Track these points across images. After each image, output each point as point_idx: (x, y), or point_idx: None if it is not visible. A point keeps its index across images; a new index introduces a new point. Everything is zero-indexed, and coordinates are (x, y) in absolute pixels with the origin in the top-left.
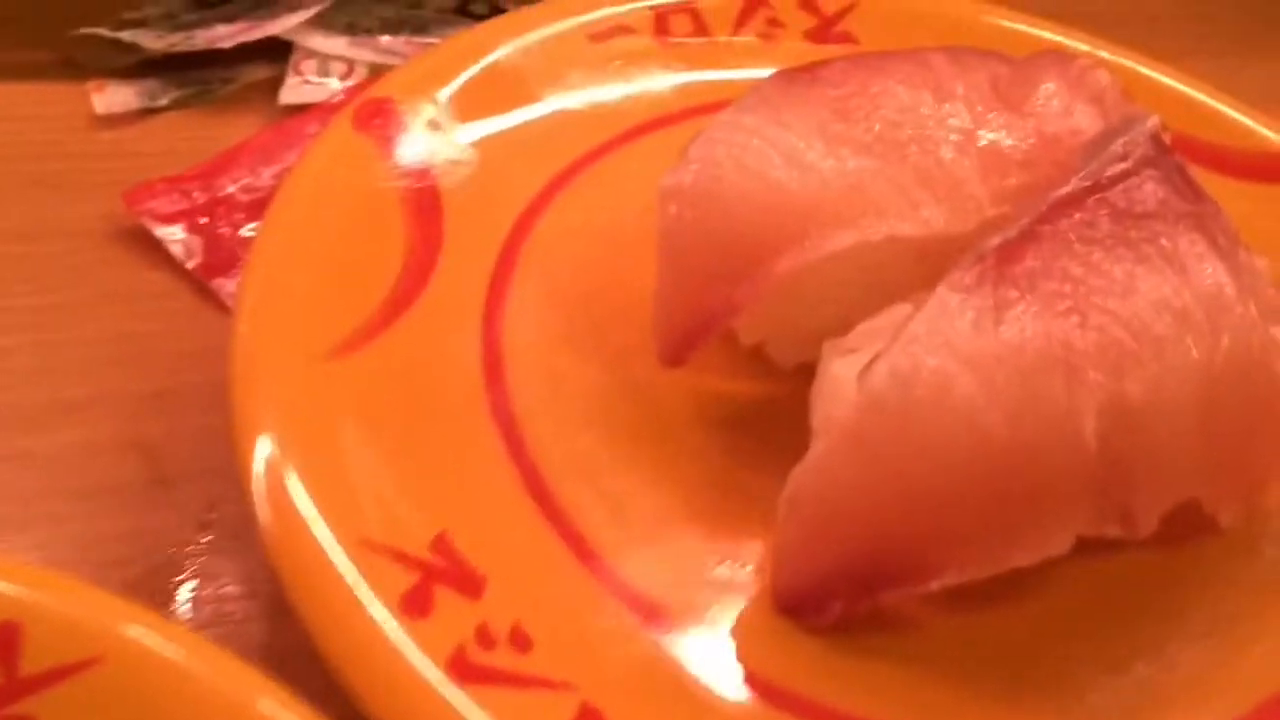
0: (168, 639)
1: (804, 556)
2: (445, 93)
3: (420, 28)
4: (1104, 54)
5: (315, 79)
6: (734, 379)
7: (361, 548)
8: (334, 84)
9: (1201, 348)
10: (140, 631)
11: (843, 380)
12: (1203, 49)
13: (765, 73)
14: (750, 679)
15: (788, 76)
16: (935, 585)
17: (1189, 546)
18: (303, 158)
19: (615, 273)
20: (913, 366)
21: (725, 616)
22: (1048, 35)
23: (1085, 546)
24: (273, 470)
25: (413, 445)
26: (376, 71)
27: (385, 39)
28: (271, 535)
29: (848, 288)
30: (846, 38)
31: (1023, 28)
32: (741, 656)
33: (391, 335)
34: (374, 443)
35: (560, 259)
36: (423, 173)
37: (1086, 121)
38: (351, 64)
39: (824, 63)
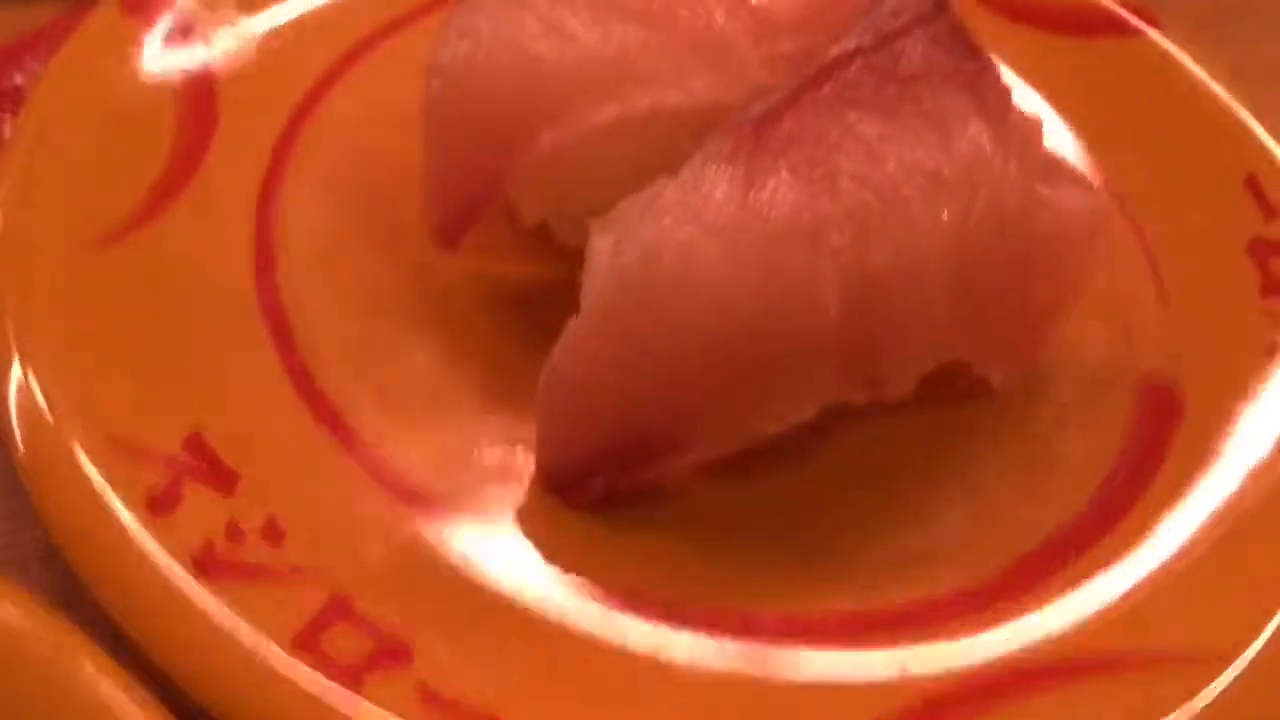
0: None
1: (564, 434)
2: None
3: None
4: None
5: None
6: (516, 261)
7: (108, 447)
8: None
9: (954, 209)
10: None
11: (601, 256)
12: None
13: None
14: (515, 560)
15: None
16: (692, 458)
17: (963, 408)
18: (65, 45)
19: (394, 157)
20: (659, 241)
21: (494, 499)
22: None
23: (856, 411)
24: (23, 368)
25: (173, 340)
26: None
27: None
28: (20, 436)
29: (624, 162)
30: None
31: None
32: (507, 537)
33: (158, 225)
34: (133, 338)
35: (339, 145)
36: (194, 59)
37: None
38: None
39: None
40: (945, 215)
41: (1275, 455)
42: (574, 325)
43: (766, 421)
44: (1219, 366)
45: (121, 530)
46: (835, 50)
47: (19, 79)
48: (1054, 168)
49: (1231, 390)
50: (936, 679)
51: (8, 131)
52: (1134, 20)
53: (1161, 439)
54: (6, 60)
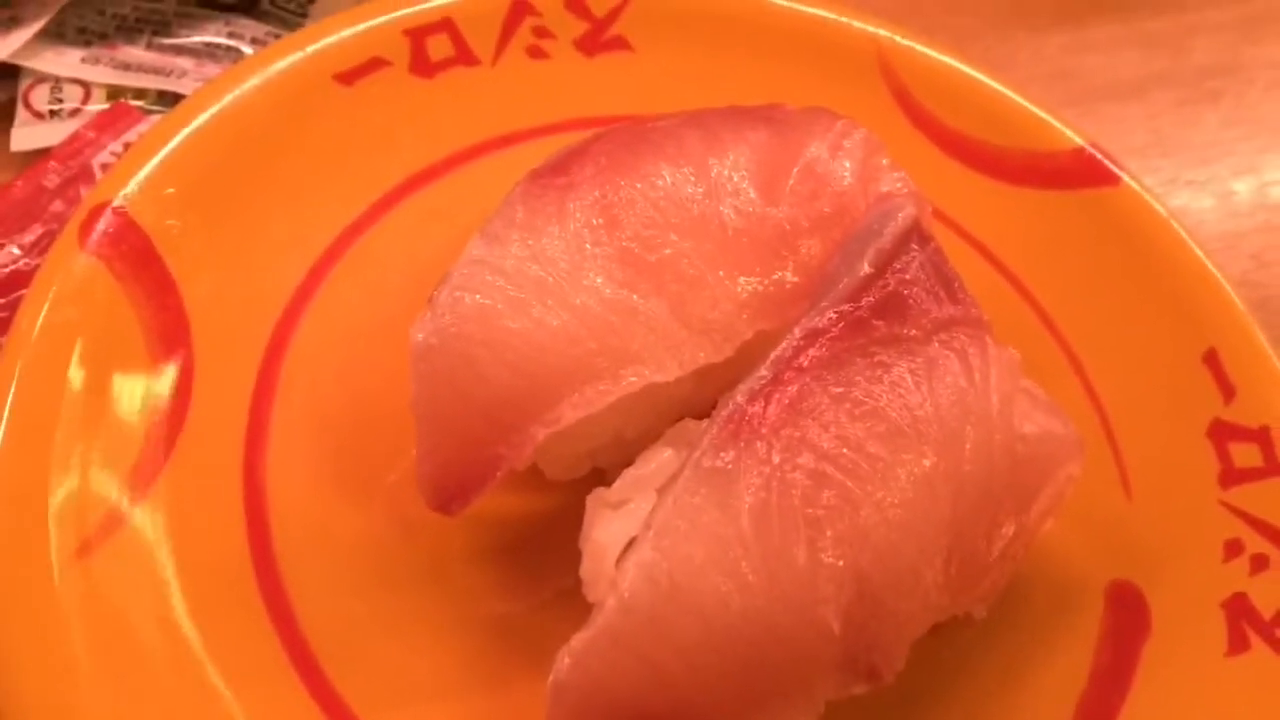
0: None
1: None
2: (176, 185)
3: (162, 27)
4: (881, 31)
5: (52, 107)
6: (508, 495)
7: None
8: (68, 122)
9: (944, 465)
10: None
11: (607, 549)
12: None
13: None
14: None
15: (540, 184)
16: None
17: (942, 637)
18: (25, 303)
19: (382, 384)
20: (659, 563)
21: None
22: (816, 11)
23: None
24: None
25: (169, 643)
26: (116, 95)
27: (124, 47)
28: None
29: (616, 419)
30: (620, 44)
31: (793, 6)
32: None
33: (141, 515)
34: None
35: (324, 374)
36: (162, 291)
37: (845, 202)
38: (88, 86)
39: (577, 153)
40: (939, 487)
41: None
42: (578, 641)
43: None
44: (1181, 569)
45: None
46: (814, 318)
47: None
48: (1031, 401)
49: (1195, 595)
50: None
51: None
52: (1098, 172)
53: (1131, 653)
54: None
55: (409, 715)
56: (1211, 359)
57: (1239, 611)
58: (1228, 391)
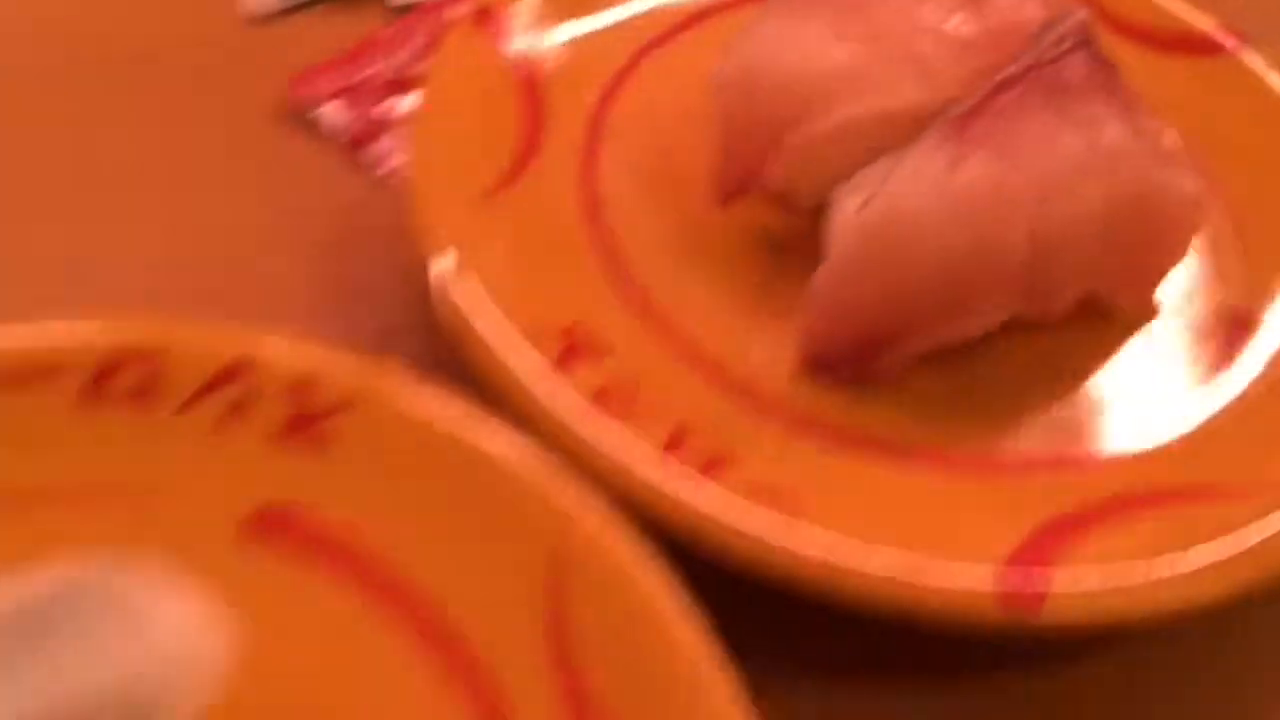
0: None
1: (820, 334)
2: None
3: None
4: None
5: None
6: (768, 213)
7: (515, 326)
8: None
9: (1104, 185)
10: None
11: (848, 210)
12: None
13: None
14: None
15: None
16: (913, 350)
17: (1096, 327)
18: (439, 52)
19: (681, 137)
20: (895, 203)
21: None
22: None
23: (1025, 325)
24: (448, 277)
25: (544, 263)
26: None
27: None
28: (450, 325)
29: (853, 147)
30: None
31: None
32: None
33: (517, 188)
34: (518, 257)
35: (638, 128)
36: (527, 61)
37: (1033, 13)
38: None
39: None
40: (1098, 188)
41: None
42: (829, 260)
43: (973, 324)
44: None
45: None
46: (1010, 70)
47: (367, 73)
48: (1171, 158)
49: None
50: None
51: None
52: (1230, 42)
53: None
54: (352, 61)
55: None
56: None
57: None
58: None
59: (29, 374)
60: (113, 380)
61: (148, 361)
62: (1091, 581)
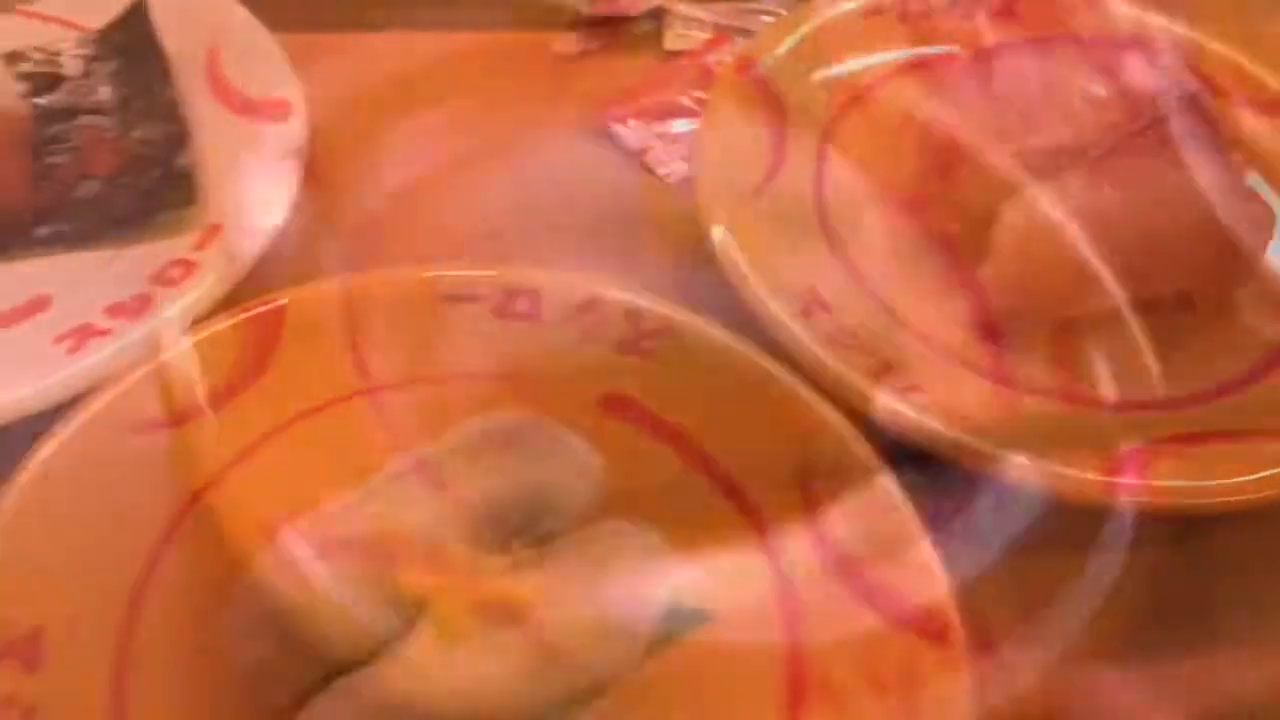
0: None
1: (983, 306)
2: (782, 50)
3: None
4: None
5: (683, 32)
6: (949, 218)
7: (767, 286)
8: (698, 35)
9: (1194, 209)
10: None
11: (1008, 220)
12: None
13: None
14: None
15: (974, 74)
16: (1050, 320)
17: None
18: (712, 87)
19: (888, 157)
20: (1048, 213)
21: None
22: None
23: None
24: (724, 245)
25: (788, 245)
26: (720, 31)
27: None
28: (727, 279)
29: (1015, 173)
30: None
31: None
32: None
33: (769, 188)
34: (771, 239)
35: (856, 148)
36: (776, 96)
37: (1153, 83)
38: (705, 23)
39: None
40: (1189, 212)
41: None
42: (992, 258)
43: (1090, 307)
44: None
45: None
46: (1134, 124)
47: (648, 99)
48: (1250, 193)
49: None
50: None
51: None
52: None
53: None
54: (641, 91)
55: None
56: None
57: None
58: None
59: (460, 296)
60: (511, 304)
61: (532, 295)
62: (1169, 478)
